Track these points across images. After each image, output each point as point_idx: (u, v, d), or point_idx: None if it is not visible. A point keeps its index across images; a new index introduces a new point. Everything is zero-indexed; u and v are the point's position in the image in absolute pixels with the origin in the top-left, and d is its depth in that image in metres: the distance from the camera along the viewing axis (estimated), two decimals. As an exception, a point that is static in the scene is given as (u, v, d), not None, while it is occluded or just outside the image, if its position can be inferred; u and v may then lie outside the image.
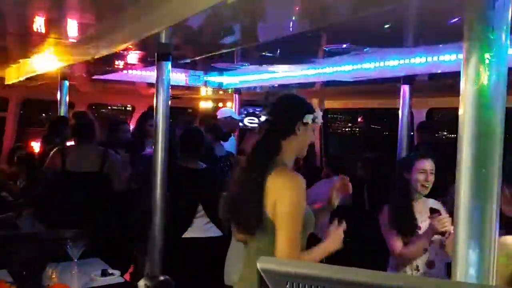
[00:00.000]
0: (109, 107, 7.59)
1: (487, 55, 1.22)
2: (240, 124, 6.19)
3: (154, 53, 3.01)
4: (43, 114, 8.32)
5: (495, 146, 1.30)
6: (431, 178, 2.70)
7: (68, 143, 4.37)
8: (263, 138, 2.02)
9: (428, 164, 2.73)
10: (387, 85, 4.21)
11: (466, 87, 1.28)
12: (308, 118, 2.00)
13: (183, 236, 3.40)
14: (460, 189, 1.33)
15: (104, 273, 3.14)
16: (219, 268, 2.73)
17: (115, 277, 3.11)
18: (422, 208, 2.74)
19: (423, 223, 2.69)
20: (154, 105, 3.04)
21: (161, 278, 2.02)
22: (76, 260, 3.20)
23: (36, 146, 6.16)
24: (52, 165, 3.93)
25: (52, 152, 4.01)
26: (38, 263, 2.67)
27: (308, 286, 0.77)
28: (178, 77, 5.36)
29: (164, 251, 2.95)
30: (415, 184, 2.71)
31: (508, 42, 1.27)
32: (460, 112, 1.32)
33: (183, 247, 3.35)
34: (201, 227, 3.47)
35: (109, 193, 3.96)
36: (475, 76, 1.25)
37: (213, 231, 3.43)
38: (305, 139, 2.03)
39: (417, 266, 2.62)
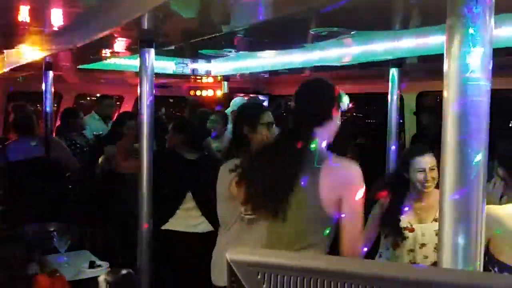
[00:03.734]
0: (88, 98, 7.41)
1: (471, 30, 1.17)
2: None
3: (137, 40, 2.94)
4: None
5: (481, 128, 1.26)
6: (433, 174, 2.48)
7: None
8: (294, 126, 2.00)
9: (426, 161, 2.51)
10: (376, 69, 4.16)
11: (450, 65, 1.23)
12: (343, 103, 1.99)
13: (171, 229, 3.35)
14: (445, 172, 1.29)
15: (92, 265, 3.11)
16: (208, 265, 2.69)
17: (103, 268, 3.08)
18: (433, 202, 2.55)
19: (419, 224, 2.55)
20: (138, 94, 2.97)
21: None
22: (63, 252, 3.18)
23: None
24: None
25: None
26: (24, 258, 2.63)
27: (280, 276, 0.73)
28: (165, 65, 5.28)
29: (151, 243, 2.90)
30: (415, 184, 2.55)
31: (493, 17, 1.22)
32: (445, 93, 1.27)
33: (169, 240, 3.31)
34: (192, 222, 3.42)
35: (62, 176, 4.02)
36: (459, 53, 1.20)
37: (203, 227, 3.37)
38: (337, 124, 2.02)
39: None
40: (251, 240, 2.40)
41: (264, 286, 0.73)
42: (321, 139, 1.95)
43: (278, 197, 1.90)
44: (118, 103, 8.02)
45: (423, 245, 2.56)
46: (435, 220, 2.58)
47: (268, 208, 1.96)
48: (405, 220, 2.57)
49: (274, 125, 2.68)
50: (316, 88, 2.04)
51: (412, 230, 2.56)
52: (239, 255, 0.74)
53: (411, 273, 0.61)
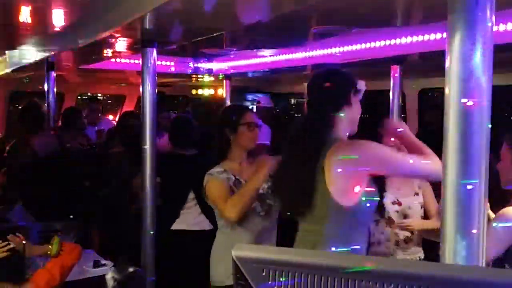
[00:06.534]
0: (79, 97, 7.38)
1: (472, 30, 1.18)
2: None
3: (139, 40, 2.95)
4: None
5: (482, 125, 1.26)
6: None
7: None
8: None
9: None
10: (378, 67, 4.16)
11: (451, 64, 1.24)
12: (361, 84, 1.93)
13: (174, 228, 3.37)
14: (447, 169, 1.29)
15: (97, 264, 3.13)
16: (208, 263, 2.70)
17: (108, 267, 3.10)
18: (405, 181, 2.75)
19: (404, 199, 2.72)
20: (141, 94, 2.98)
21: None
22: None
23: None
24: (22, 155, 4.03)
25: (15, 144, 4.19)
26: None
27: (285, 272, 0.74)
28: (167, 64, 5.29)
29: (156, 242, 2.91)
30: None
31: (494, 17, 1.22)
32: (446, 90, 1.28)
33: (173, 239, 3.32)
34: (192, 220, 3.43)
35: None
36: (460, 53, 1.21)
37: (205, 224, 3.39)
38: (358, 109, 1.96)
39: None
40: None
41: (269, 282, 0.74)
42: (342, 128, 1.89)
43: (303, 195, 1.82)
44: (110, 101, 8.04)
45: (405, 216, 2.72)
46: (416, 194, 2.77)
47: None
48: (391, 196, 2.69)
49: (258, 127, 2.63)
50: (328, 75, 1.96)
51: (400, 204, 2.72)
52: (245, 252, 0.75)
53: (411, 268, 0.63)
